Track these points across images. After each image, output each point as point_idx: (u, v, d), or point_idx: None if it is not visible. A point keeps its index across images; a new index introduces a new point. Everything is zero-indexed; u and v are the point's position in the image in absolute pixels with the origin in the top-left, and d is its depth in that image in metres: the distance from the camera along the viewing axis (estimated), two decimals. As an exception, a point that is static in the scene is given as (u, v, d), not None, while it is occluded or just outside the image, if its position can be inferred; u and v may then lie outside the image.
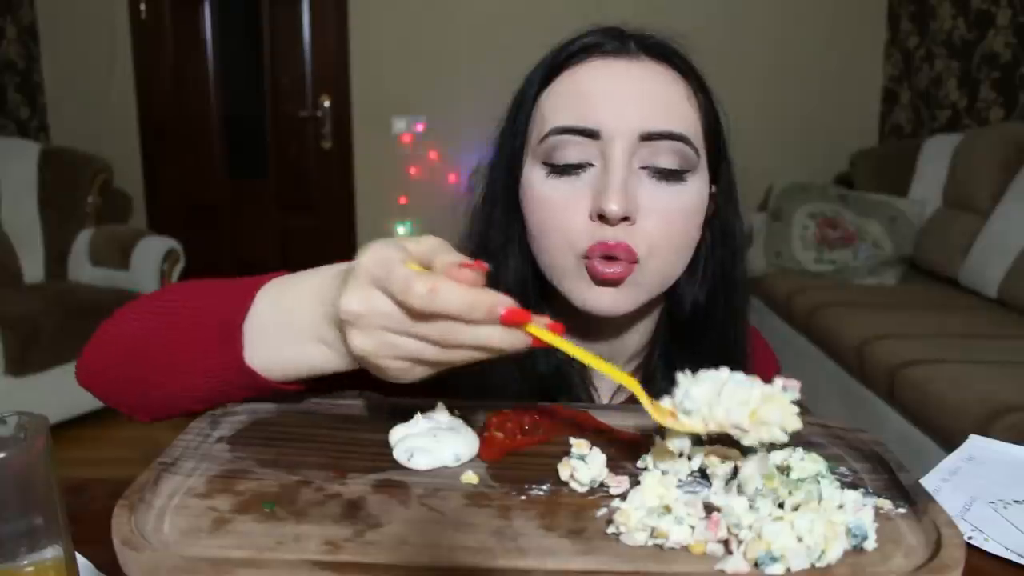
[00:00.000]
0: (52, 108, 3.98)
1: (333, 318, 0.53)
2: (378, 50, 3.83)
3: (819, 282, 3.16)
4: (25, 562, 0.41)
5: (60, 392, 2.62)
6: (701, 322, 0.78)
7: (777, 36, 3.91)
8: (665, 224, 0.70)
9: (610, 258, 0.69)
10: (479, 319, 0.45)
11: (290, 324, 0.57)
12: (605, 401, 0.81)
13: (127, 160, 3.89)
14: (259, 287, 0.60)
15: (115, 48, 3.89)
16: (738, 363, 0.76)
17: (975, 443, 0.77)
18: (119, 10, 3.88)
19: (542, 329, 0.46)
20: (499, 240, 0.78)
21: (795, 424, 0.48)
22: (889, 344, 2.37)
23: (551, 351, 0.66)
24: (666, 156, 0.70)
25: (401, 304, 0.46)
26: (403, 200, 3.93)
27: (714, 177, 0.76)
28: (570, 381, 0.78)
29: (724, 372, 0.50)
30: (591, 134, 0.70)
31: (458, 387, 0.71)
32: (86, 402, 2.54)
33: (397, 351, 0.48)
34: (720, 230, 0.78)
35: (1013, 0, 3.15)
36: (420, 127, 3.86)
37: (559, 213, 0.71)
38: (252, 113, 3.99)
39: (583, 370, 0.79)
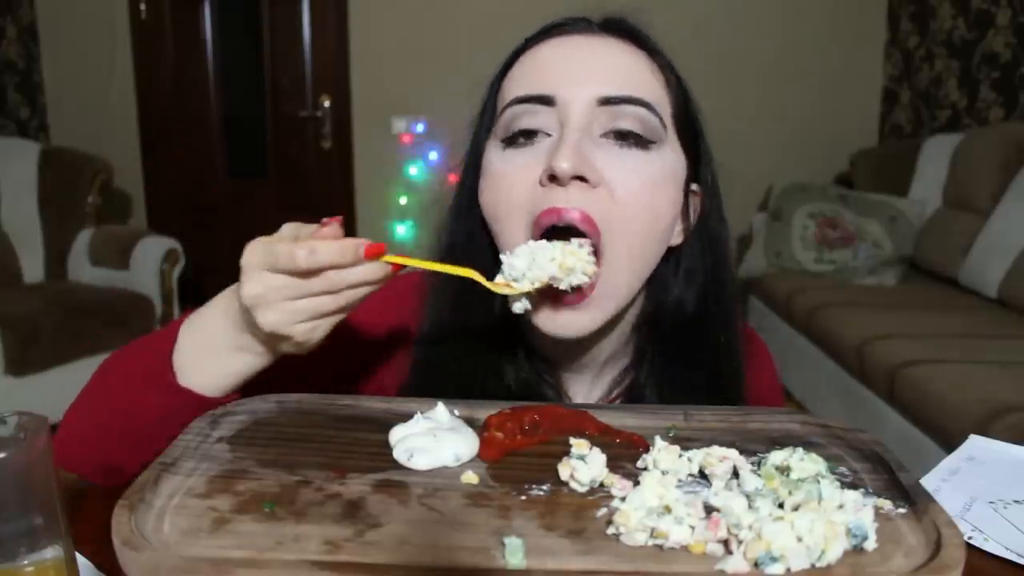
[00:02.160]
0: (52, 108, 3.98)
1: (241, 323, 0.62)
2: (378, 50, 3.83)
3: (819, 282, 3.16)
4: (25, 562, 0.41)
5: (60, 392, 2.59)
6: (691, 336, 0.74)
7: (777, 36, 3.91)
8: (629, 189, 0.65)
9: (573, 289, 0.65)
10: (351, 260, 0.57)
11: (208, 343, 0.64)
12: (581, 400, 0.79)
13: (127, 160, 3.89)
14: (180, 325, 0.66)
15: (115, 48, 3.89)
16: (732, 371, 0.76)
17: (975, 443, 0.77)
18: (119, 10, 3.88)
19: (395, 256, 0.59)
20: (462, 237, 0.75)
21: (591, 268, 0.64)
22: (889, 344, 2.37)
23: (520, 363, 0.74)
24: (628, 121, 0.66)
25: (291, 272, 0.56)
26: (403, 200, 3.94)
27: (695, 176, 0.73)
28: (542, 391, 0.76)
29: (531, 243, 0.64)
30: (546, 100, 0.67)
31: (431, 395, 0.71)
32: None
33: (299, 315, 0.58)
34: (707, 234, 0.74)
35: (1013, 0, 3.15)
36: (420, 127, 3.86)
37: (508, 183, 0.67)
38: (252, 113, 3.99)
39: (555, 379, 0.77)
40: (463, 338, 0.74)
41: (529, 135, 0.68)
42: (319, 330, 0.60)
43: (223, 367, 0.65)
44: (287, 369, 0.68)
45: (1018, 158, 2.80)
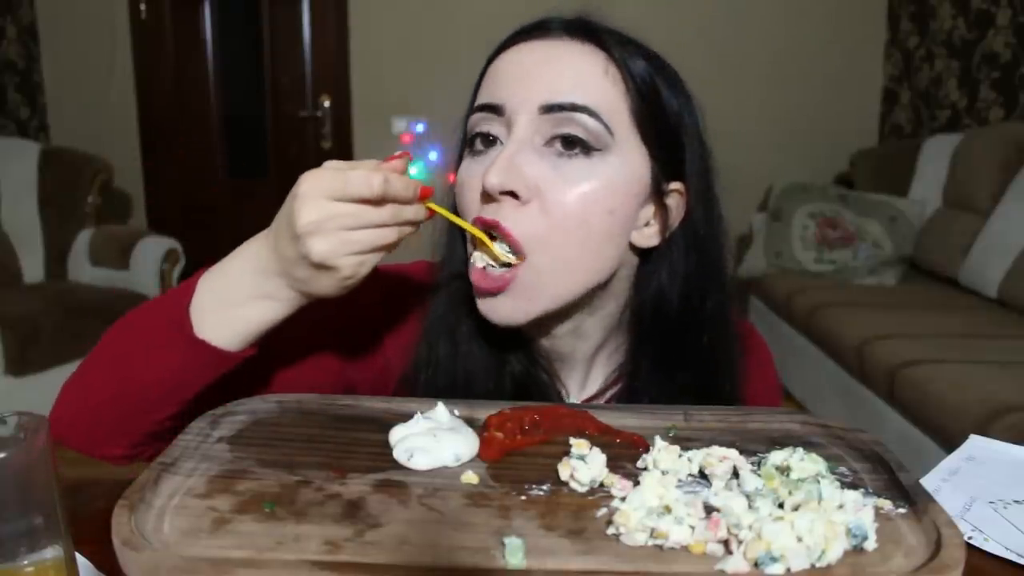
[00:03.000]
0: (52, 108, 3.98)
1: (269, 268, 0.62)
2: (378, 50, 3.83)
3: (819, 282, 3.16)
4: (25, 562, 0.41)
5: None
6: (678, 336, 0.74)
7: (777, 36, 3.91)
8: (559, 201, 0.66)
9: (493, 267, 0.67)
10: (411, 197, 0.61)
11: (230, 292, 0.64)
12: (574, 397, 0.79)
13: (127, 160, 3.89)
14: (198, 278, 0.65)
15: (115, 48, 3.89)
16: (725, 370, 0.76)
17: (975, 443, 0.77)
18: (119, 10, 3.87)
19: (438, 206, 0.64)
20: (448, 240, 0.77)
21: (512, 259, 0.67)
22: (889, 344, 2.37)
23: (518, 356, 0.76)
24: (571, 127, 0.66)
25: (360, 200, 0.58)
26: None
27: (674, 173, 0.71)
28: (539, 379, 0.77)
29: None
30: (495, 109, 0.68)
31: (435, 389, 0.72)
32: (86, 402, 2.54)
33: (353, 245, 0.59)
34: (692, 233, 0.73)
35: (1013, 0, 3.15)
36: (420, 127, 3.86)
37: (462, 192, 0.71)
38: (252, 113, 3.99)
39: (551, 368, 0.78)
40: (464, 329, 0.75)
41: (486, 142, 0.70)
42: (366, 265, 0.60)
43: (244, 317, 0.64)
44: (300, 345, 0.73)
45: (1018, 158, 2.80)
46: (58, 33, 3.90)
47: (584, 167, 0.67)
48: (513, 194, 0.66)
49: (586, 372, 0.80)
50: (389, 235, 0.60)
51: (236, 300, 0.64)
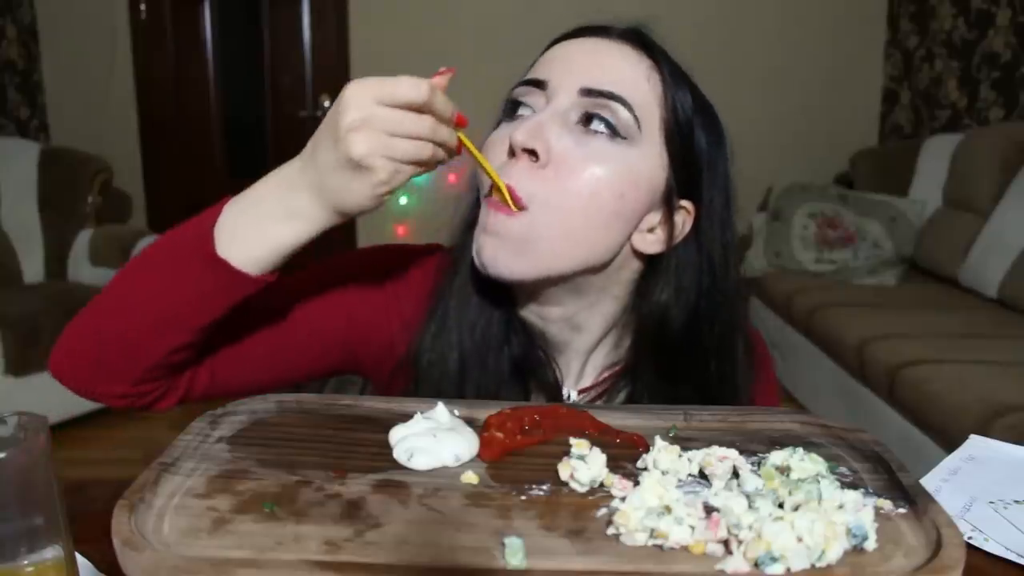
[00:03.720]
0: (52, 108, 3.98)
1: (299, 184, 0.63)
2: (378, 50, 3.83)
3: (819, 282, 3.16)
4: (25, 562, 0.41)
5: (60, 392, 2.58)
6: (684, 352, 0.76)
7: (777, 36, 3.91)
8: (573, 167, 0.68)
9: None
10: (450, 117, 0.62)
11: (257, 212, 0.64)
12: (571, 383, 0.80)
13: (127, 160, 3.89)
14: (223, 204, 0.66)
15: (115, 48, 3.89)
16: (728, 387, 0.77)
17: (975, 443, 0.77)
18: (119, 10, 3.87)
19: (464, 136, 0.65)
20: (463, 225, 0.78)
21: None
22: (889, 344, 2.37)
23: (521, 337, 0.78)
24: (602, 112, 0.70)
25: (406, 105, 0.60)
26: (403, 200, 3.93)
27: (690, 194, 0.74)
28: (538, 361, 0.78)
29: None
30: (539, 84, 0.72)
31: (437, 378, 0.74)
32: (86, 402, 2.54)
33: (391, 150, 0.59)
34: (703, 254, 0.75)
35: (1013, 0, 3.15)
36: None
37: (488, 149, 0.73)
38: (252, 113, 3.99)
39: (548, 353, 0.79)
40: (466, 318, 0.77)
41: (517, 107, 0.73)
42: (400, 175, 0.61)
43: (267, 237, 0.64)
44: (300, 301, 0.75)
45: (1018, 158, 2.80)
46: (58, 33, 3.90)
47: (606, 148, 0.70)
48: (533, 153, 0.68)
49: (583, 364, 0.81)
50: (425, 150, 0.61)
51: (261, 220, 0.64)
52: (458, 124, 0.64)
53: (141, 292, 0.67)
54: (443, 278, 0.79)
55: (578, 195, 0.69)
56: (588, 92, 0.70)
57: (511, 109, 0.74)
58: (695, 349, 0.76)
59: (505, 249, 0.70)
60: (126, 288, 0.68)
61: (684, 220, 0.75)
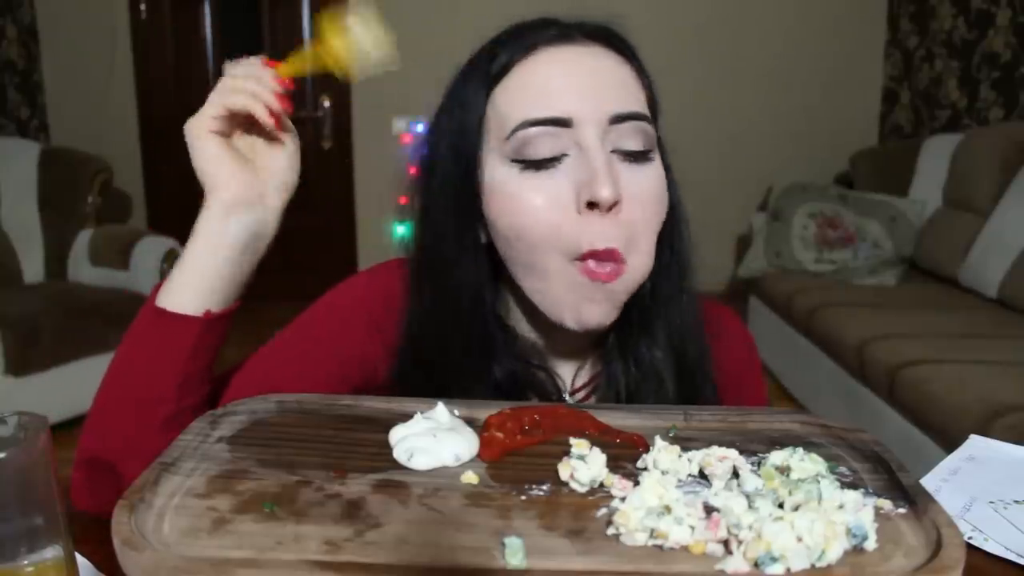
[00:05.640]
0: (52, 108, 3.98)
1: (199, 223, 0.69)
2: (378, 50, 3.83)
3: (819, 282, 3.16)
4: (25, 562, 0.41)
5: (60, 392, 2.61)
6: (651, 301, 0.76)
7: (777, 36, 3.91)
8: (642, 208, 0.69)
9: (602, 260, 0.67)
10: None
11: (183, 260, 0.69)
12: (568, 387, 0.79)
13: (127, 160, 3.89)
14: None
15: (115, 48, 3.89)
16: (692, 338, 0.77)
17: (975, 443, 0.77)
18: (119, 10, 3.88)
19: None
20: (452, 251, 0.74)
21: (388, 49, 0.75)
22: (889, 344, 2.37)
23: (509, 355, 0.75)
24: (632, 137, 0.69)
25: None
26: (403, 200, 3.93)
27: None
28: (535, 379, 0.77)
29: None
30: (563, 123, 0.67)
31: (432, 390, 0.71)
32: (86, 402, 2.53)
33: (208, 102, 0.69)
34: (668, 217, 0.75)
35: (1013, 0, 3.15)
36: (420, 127, 3.86)
37: (542, 211, 0.67)
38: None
39: (544, 360, 0.78)
40: (447, 330, 0.74)
41: (552, 160, 0.68)
42: (212, 104, 0.69)
43: (191, 273, 0.68)
44: (288, 357, 0.75)
45: (1018, 158, 2.80)
46: (58, 33, 3.90)
47: (649, 170, 0.70)
48: (616, 204, 0.67)
49: (577, 364, 0.80)
50: (233, 91, 0.68)
51: (185, 262, 0.68)
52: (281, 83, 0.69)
53: (116, 384, 0.69)
54: (414, 300, 0.76)
55: (649, 228, 0.70)
56: (619, 119, 0.68)
57: (531, 160, 0.68)
58: (662, 294, 0.76)
59: (612, 306, 0.70)
60: (104, 388, 0.70)
61: None
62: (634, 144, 0.69)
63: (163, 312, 0.68)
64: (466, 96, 0.73)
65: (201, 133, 0.69)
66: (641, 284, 0.73)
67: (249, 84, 0.67)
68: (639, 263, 0.70)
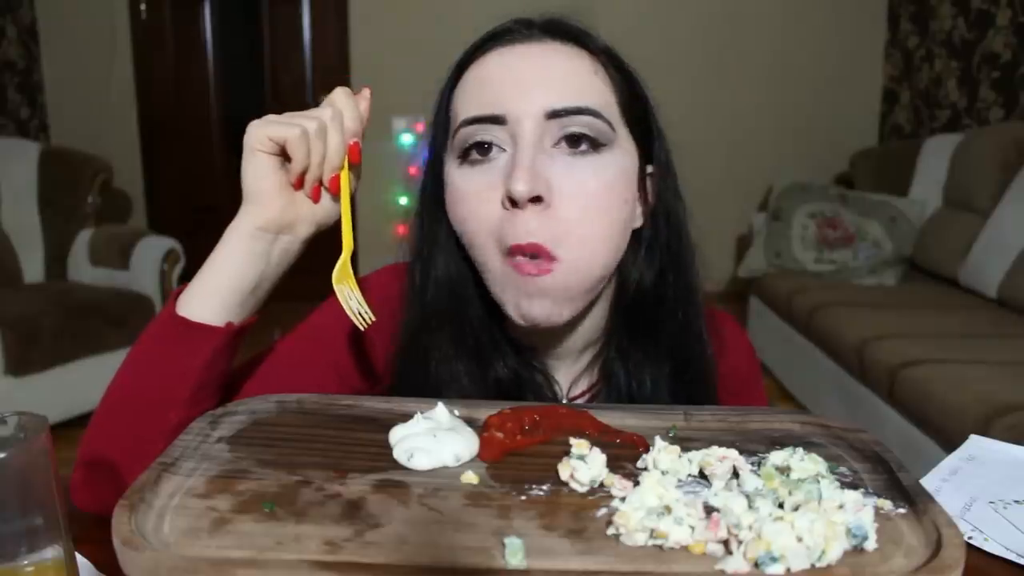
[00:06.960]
0: (52, 108, 3.98)
1: (232, 226, 0.69)
2: (378, 50, 3.83)
3: (819, 282, 3.16)
4: (25, 562, 0.41)
5: (60, 392, 2.62)
6: (652, 308, 0.76)
7: (777, 36, 3.91)
8: (582, 201, 0.67)
9: (532, 256, 0.67)
10: (347, 135, 0.68)
11: (207, 267, 0.68)
12: (565, 394, 0.80)
13: (127, 160, 3.89)
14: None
15: (115, 48, 3.89)
16: (695, 348, 0.77)
17: (975, 443, 0.77)
18: (119, 10, 3.88)
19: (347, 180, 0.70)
20: (426, 245, 0.76)
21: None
22: (889, 344, 2.37)
23: (506, 356, 0.76)
24: (576, 128, 0.68)
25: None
26: (403, 200, 3.93)
27: (649, 157, 0.74)
28: (532, 379, 0.77)
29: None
30: (497, 120, 0.68)
31: (431, 390, 0.72)
32: (86, 402, 2.53)
33: (267, 123, 0.67)
34: (662, 211, 0.75)
35: (1013, 0, 3.16)
36: (420, 127, 3.86)
37: (473, 204, 0.69)
38: (252, 113, 3.97)
39: (543, 365, 0.78)
40: (445, 333, 0.75)
41: (483, 150, 0.69)
42: (266, 133, 0.66)
43: (216, 284, 0.68)
44: (289, 367, 0.73)
45: (1018, 158, 2.80)
46: (58, 33, 3.90)
47: (596, 162, 0.69)
48: (538, 198, 0.66)
49: (573, 363, 0.80)
50: (295, 129, 0.65)
51: (205, 271, 0.68)
52: (351, 153, 0.68)
53: (127, 386, 0.69)
54: (410, 308, 0.77)
55: (594, 221, 0.68)
56: (554, 114, 0.67)
57: (467, 151, 0.70)
58: (664, 301, 0.75)
59: (552, 302, 0.69)
60: (114, 390, 0.70)
61: (651, 185, 0.75)
62: (578, 130, 0.68)
63: (184, 321, 0.67)
64: (437, 98, 0.76)
65: (256, 146, 0.67)
66: (628, 284, 0.74)
67: (327, 142, 0.67)
68: (576, 258, 0.68)
